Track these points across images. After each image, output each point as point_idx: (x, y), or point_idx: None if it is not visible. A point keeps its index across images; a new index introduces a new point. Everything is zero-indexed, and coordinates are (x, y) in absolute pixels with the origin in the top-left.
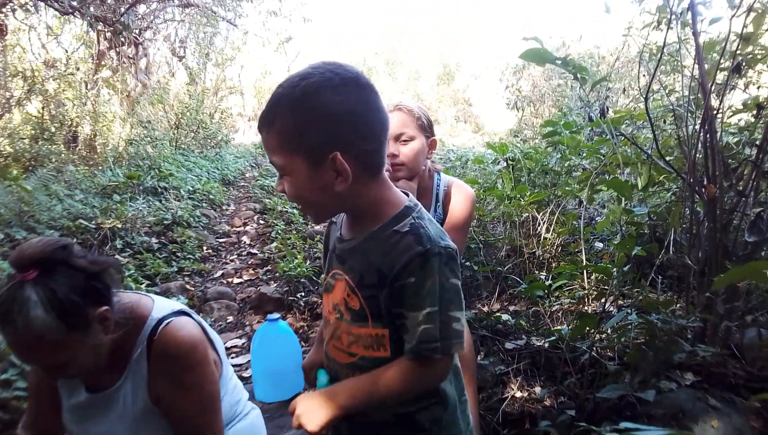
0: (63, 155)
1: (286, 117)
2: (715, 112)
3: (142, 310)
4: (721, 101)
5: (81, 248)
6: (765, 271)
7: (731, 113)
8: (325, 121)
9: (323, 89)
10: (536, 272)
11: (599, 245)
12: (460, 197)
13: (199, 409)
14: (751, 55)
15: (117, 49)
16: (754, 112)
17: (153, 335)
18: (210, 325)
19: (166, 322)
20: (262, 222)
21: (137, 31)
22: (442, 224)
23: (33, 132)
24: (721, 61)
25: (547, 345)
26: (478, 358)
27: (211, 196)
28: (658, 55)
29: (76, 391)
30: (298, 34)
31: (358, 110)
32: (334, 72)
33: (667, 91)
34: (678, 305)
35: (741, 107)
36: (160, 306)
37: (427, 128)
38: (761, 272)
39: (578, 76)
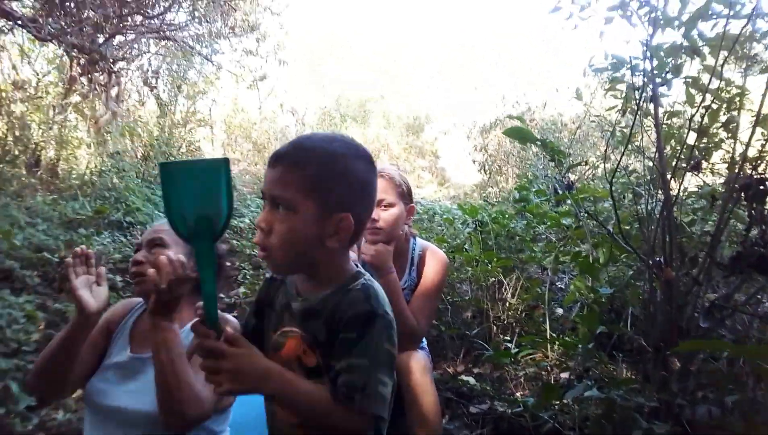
0: (24, 179)
1: (318, 165)
2: (673, 197)
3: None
4: (679, 188)
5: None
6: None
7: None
8: (351, 185)
9: (354, 157)
10: (501, 336)
11: (560, 311)
12: (434, 263)
13: None
14: (706, 146)
15: (89, 76)
16: (710, 201)
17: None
18: None
19: None
20: (228, 264)
21: (112, 61)
22: (415, 288)
23: None
24: (679, 149)
25: (510, 412)
26: (444, 420)
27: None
28: (624, 143)
29: (122, 352)
30: (273, 73)
31: (372, 184)
32: (357, 145)
33: (628, 171)
34: (635, 382)
35: (697, 190)
36: None
37: (406, 195)
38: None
39: (556, 158)
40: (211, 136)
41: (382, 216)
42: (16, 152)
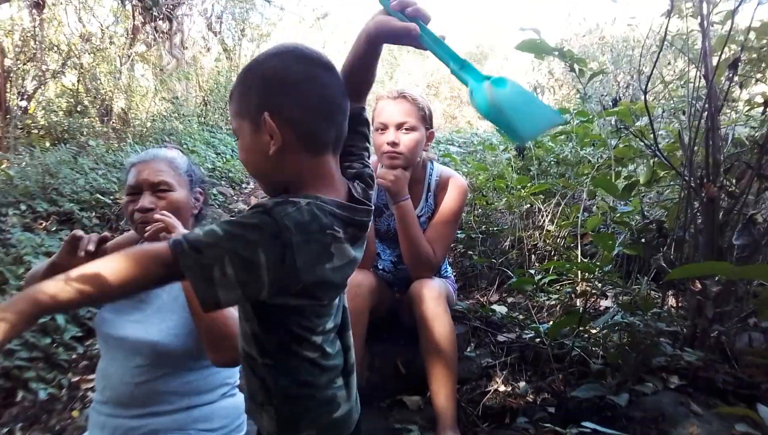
0: (96, 128)
1: (240, 84)
2: (719, 107)
3: None
4: (725, 97)
5: None
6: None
7: (747, 107)
8: (261, 84)
9: (268, 57)
10: (537, 265)
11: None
12: (452, 189)
13: None
14: (765, 48)
15: (152, 24)
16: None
17: None
18: None
19: None
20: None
21: (170, 7)
22: (432, 215)
23: (67, 105)
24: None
25: (537, 340)
26: (468, 349)
27: (230, 174)
28: (661, 46)
29: None
30: (334, 9)
31: (293, 78)
32: (287, 45)
33: (681, 83)
34: (667, 307)
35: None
36: None
37: (428, 119)
38: (720, 270)
39: (575, 68)
40: None
41: (403, 139)
42: (87, 103)
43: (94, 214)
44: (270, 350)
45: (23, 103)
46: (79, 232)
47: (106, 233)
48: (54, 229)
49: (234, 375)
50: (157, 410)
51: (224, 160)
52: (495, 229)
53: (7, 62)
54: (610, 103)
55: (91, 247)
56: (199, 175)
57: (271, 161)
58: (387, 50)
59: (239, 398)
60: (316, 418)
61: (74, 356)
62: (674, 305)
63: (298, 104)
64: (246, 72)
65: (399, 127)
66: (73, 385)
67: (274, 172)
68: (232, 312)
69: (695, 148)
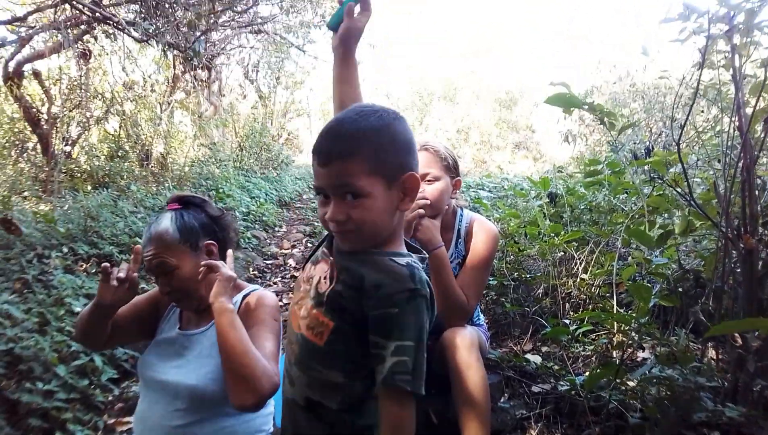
0: (135, 172)
1: (369, 143)
2: (755, 158)
3: (240, 283)
4: (761, 148)
5: (215, 205)
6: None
7: None
8: (401, 147)
9: (393, 121)
10: (571, 314)
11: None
12: (483, 235)
13: (275, 343)
14: None
15: (192, 73)
16: None
17: (245, 296)
18: None
19: (257, 289)
20: (309, 244)
21: (209, 57)
22: (463, 262)
23: (109, 150)
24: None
25: (573, 392)
26: (502, 399)
27: (264, 218)
28: (693, 98)
29: (172, 329)
30: (364, 58)
31: (412, 137)
32: (385, 109)
33: (713, 133)
34: (707, 359)
35: None
36: (253, 286)
37: (452, 168)
38: (760, 326)
39: (605, 121)
40: (309, 124)
41: (428, 190)
42: (127, 148)
43: (132, 257)
44: (355, 395)
45: (67, 148)
46: (107, 264)
47: (123, 269)
48: (94, 271)
49: (268, 423)
50: None
51: (258, 203)
52: (527, 276)
53: (54, 109)
54: (643, 152)
55: (122, 275)
56: (198, 228)
57: (392, 218)
58: (418, 97)
59: None
60: None
61: (110, 398)
62: (714, 358)
63: (417, 165)
64: (377, 132)
65: (422, 178)
66: (108, 427)
67: (388, 228)
68: (260, 358)
69: (731, 198)
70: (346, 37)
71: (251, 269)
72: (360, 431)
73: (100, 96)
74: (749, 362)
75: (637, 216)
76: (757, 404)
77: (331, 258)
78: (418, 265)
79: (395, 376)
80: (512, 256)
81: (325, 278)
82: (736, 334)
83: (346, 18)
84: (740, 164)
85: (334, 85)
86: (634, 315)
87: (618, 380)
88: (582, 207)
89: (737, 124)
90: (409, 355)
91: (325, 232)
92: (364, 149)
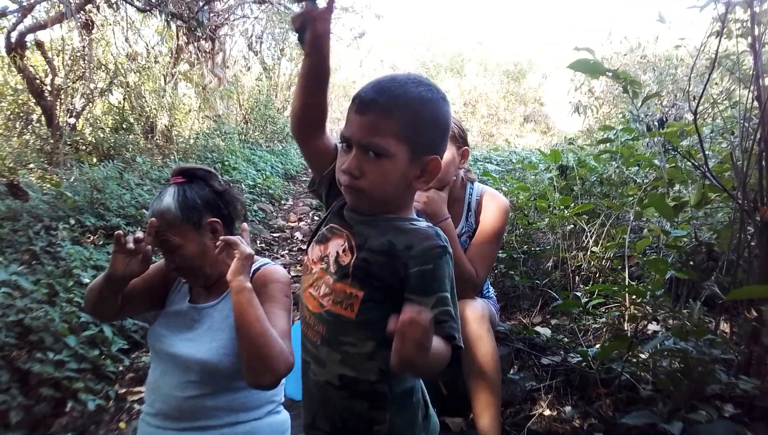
0: (141, 144)
1: (410, 111)
2: None
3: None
4: None
5: (220, 178)
6: None
7: None
8: (439, 127)
9: (440, 100)
10: (582, 287)
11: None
12: (493, 208)
13: (287, 320)
14: None
15: (195, 44)
16: None
17: (255, 271)
18: None
19: (268, 263)
20: (316, 217)
21: (213, 27)
22: (473, 234)
23: (113, 122)
24: None
25: (584, 364)
26: (511, 371)
27: (270, 191)
28: (711, 67)
29: (181, 301)
30: (370, 29)
31: (450, 127)
32: (437, 87)
33: (728, 104)
34: (720, 332)
35: None
36: (264, 260)
37: (458, 138)
38: None
39: (628, 89)
40: None
41: None
42: (132, 120)
43: (139, 228)
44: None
45: (72, 120)
46: (120, 232)
47: (140, 234)
48: (101, 242)
49: (279, 393)
50: (205, 425)
51: (264, 176)
52: (537, 249)
53: (58, 81)
54: (656, 124)
55: (138, 237)
56: (201, 205)
57: (405, 190)
58: (424, 69)
59: (284, 416)
60: (421, 421)
61: (121, 368)
62: (727, 331)
63: (445, 150)
64: (422, 104)
65: None
66: (119, 397)
67: (399, 198)
68: (277, 337)
69: (748, 169)
70: (318, 44)
71: (258, 242)
72: (399, 398)
73: (103, 67)
74: (763, 334)
75: (649, 188)
76: None
77: (345, 231)
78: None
79: (443, 325)
80: (522, 229)
81: (344, 251)
82: (751, 307)
83: (310, 23)
84: (758, 135)
85: (297, 93)
86: (649, 287)
87: (630, 353)
88: (593, 179)
89: (755, 94)
90: (449, 305)
91: (325, 214)
92: (404, 113)
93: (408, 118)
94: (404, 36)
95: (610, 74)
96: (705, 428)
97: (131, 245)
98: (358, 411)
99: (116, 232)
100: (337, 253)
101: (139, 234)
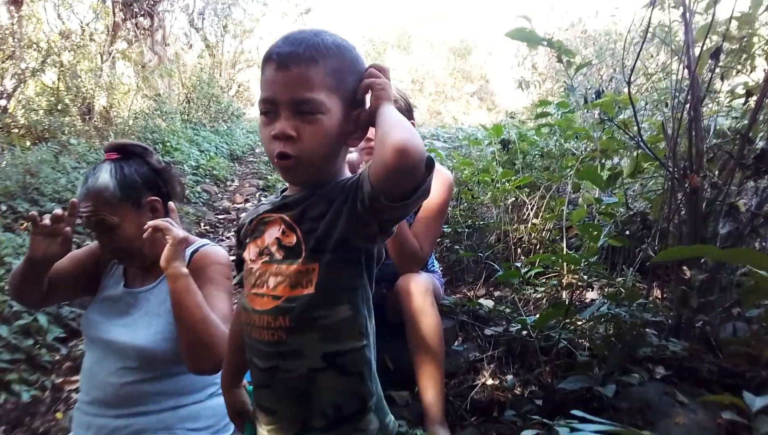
0: (77, 126)
1: (332, 57)
2: (702, 97)
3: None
4: (707, 88)
5: (158, 156)
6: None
7: (729, 98)
8: (360, 75)
9: (353, 47)
10: (522, 258)
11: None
12: (436, 182)
13: (228, 304)
14: (746, 39)
15: (133, 20)
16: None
17: (194, 253)
18: None
19: (207, 244)
20: (263, 198)
21: (151, 3)
22: (418, 209)
23: (48, 103)
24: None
25: (524, 333)
26: (456, 343)
27: (215, 172)
28: (644, 37)
29: (116, 286)
30: (316, 5)
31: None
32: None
33: (662, 75)
34: (652, 297)
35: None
36: (203, 241)
37: (404, 111)
38: (707, 253)
39: (562, 59)
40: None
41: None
42: (67, 101)
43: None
44: (366, 321)
45: (2, 102)
46: (34, 212)
47: (58, 210)
48: None
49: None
50: (144, 410)
51: (208, 157)
52: (481, 223)
53: None
54: (593, 96)
55: (52, 217)
56: (140, 182)
57: (340, 150)
58: (371, 45)
59: None
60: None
61: (57, 357)
62: (659, 296)
63: None
64: (342, 50)
65: None
66: (56, 387)
67: (334, 161)
68: (218, 322)
69: (678, 139)
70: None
71: (202, 224)
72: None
73: (35, 46)
74: (692, 298)
75: (587, 159)
76: (699, 339)
77: (275, 214)
78: None
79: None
80: (466, 204)
81: (284, 233)
82: (684, 269)
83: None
84: (687, 104)
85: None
86: (583, 256)
87: (568, 320)
88: (534, 153)
89: (686, 63)
90: None
91: (239, 220)
92: (327, 60)
93: (333, 64)
94: (350, 12)
95: (545, 43)
96: (637, 390)
97: (47, 222)
98: (351, 388)
99: (30, 213)
100: (277, 238)
101: (58, 210)
